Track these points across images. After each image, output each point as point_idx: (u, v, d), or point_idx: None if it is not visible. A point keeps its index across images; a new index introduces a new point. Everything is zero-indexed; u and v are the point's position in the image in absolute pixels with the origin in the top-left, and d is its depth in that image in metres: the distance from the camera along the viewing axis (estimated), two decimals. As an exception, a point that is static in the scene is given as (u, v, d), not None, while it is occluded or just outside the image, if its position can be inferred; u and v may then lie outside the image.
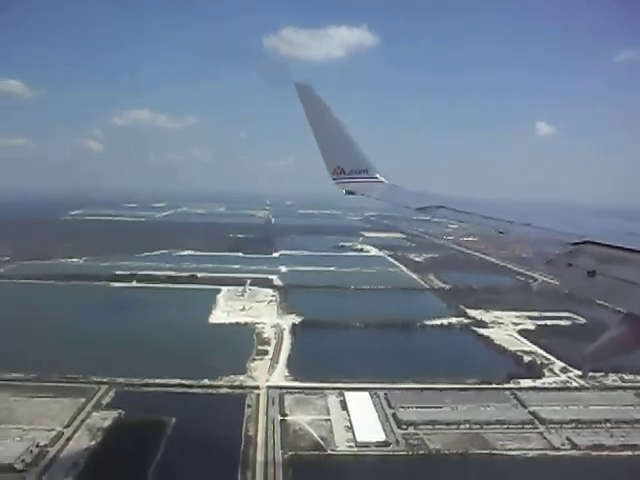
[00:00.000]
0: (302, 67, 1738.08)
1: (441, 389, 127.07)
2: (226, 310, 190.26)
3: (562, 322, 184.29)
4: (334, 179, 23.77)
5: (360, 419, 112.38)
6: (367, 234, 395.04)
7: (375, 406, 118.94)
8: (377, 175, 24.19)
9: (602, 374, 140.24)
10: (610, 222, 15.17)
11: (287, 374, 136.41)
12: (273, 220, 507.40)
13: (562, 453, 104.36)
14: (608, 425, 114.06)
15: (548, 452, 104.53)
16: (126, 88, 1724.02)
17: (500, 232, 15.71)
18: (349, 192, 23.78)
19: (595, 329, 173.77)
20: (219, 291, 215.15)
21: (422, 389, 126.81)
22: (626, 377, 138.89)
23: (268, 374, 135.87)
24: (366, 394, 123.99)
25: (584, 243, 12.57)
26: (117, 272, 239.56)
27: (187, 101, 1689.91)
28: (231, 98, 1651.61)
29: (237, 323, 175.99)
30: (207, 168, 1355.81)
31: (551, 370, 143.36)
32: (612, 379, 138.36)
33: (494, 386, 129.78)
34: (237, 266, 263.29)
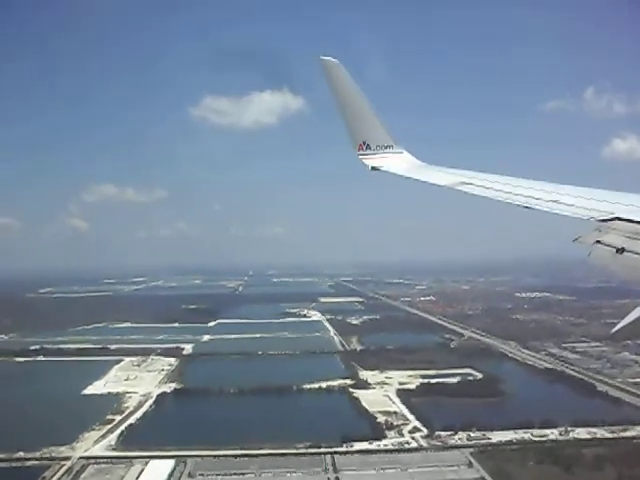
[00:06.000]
0: (234, 135, 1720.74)
1: (258, 455, 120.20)
2: (110, 381, 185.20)
3: (452, 379, 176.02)
4: (359, 155, 23.45)
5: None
6: (324, 299, 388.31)
7: (170, 476, 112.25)
8: (403, 151, 23.74)
9: (451, 433, 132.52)
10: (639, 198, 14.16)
11: (112, 444, 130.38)
12: (240, 289, 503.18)
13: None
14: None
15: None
16: (83, 162, 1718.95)
17: (526, 207, 15.57)
18: (374, 168, 23.27)
19: (483, 386, 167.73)
20: (119, 362, 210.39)
21: (236, 456, 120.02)
22: (473, 434, 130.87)
23: (93, 444, 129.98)
24: (171, 462, 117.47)
25: (613, 220, 12.36)
26: (31, 347, 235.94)
27: (150, 174, 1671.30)
28: (191, 170, 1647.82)
29: (109, 393, 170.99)
30: (194, 242, 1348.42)
31: (399, 431, 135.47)
32: (458, 437, 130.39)
33: (309, 450, 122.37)
34: (161, 337, 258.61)
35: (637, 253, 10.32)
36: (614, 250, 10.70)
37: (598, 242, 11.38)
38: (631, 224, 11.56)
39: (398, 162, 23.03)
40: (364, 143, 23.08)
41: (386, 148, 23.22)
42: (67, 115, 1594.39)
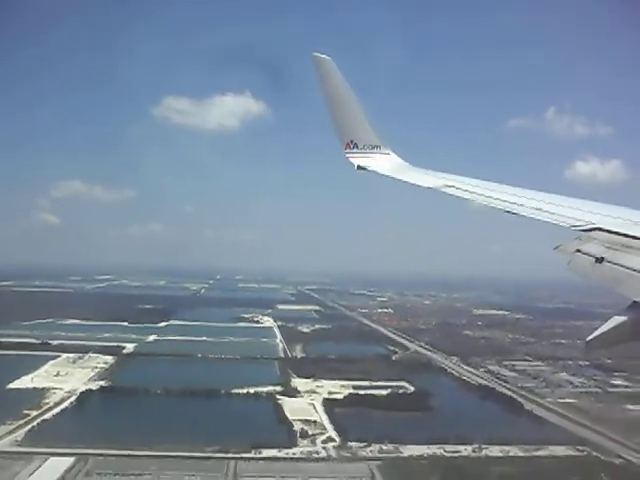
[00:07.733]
0: (197, 136, 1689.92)
1: (163, 456, 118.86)
2: (39, 376, 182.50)
3: (382, 392, 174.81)
4: (346, 153, 23.40)
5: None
6: (282, 306, 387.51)
7: (67, 472, 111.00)
8: (390, 152, 23.72)
9: (364, 444, 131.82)
10: (620, 210, 14.17)
11: (19, 440, 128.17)
12: (202, 292, 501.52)
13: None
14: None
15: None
16: (50, 159, 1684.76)
17: (508, 212, 15.62)
18: (360, 167, 23.13)
19: (412, 399, 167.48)
20: (56, 357, 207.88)
21: (140, 456, 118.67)
22: (385, 447, 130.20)
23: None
24: (70, 460, 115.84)
25: (594, 230, 12.51)
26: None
27: (117, 173, 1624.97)
28: (160, 171, 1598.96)
29: (34, 388, 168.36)
30: (164, 242, 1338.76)
31: (312, 440, 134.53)
32: (370, 449, 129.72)
33: (215, 455, 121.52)
34: (106, 335, 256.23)
35: (616, 263, 10.46)
36: (593, 259, 10.83)
37: (578, 251, 11.46)
38: (611, 235, 11.67)
39: (384, 163, 23.02)
40: (351, 142, 23.16)
41: (373, 148, 23.32)
42: (33, 113, 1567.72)
